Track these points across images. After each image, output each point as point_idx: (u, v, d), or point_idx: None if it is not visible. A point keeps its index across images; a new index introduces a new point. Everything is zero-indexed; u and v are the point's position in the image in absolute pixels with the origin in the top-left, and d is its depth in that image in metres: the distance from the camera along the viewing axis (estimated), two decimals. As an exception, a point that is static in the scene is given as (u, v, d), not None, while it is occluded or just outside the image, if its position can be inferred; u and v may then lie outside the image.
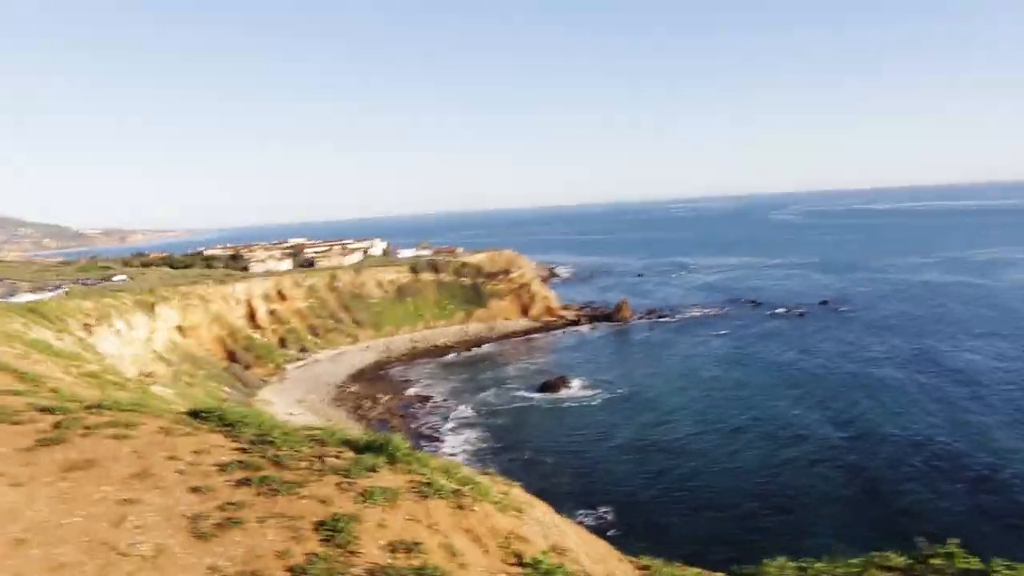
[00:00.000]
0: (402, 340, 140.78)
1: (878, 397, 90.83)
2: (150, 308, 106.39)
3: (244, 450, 10.89)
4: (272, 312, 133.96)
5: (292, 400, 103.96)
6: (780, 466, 71.95)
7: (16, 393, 16.12)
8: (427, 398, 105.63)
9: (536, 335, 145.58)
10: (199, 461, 10.25)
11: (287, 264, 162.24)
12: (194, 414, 13.09)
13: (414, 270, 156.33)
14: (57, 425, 11.92)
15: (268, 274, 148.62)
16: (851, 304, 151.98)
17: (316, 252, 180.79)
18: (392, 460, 10.32)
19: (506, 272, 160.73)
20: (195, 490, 9.13)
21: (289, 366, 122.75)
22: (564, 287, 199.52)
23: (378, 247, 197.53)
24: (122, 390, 25.40)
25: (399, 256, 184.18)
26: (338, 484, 9.24)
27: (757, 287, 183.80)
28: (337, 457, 10.45)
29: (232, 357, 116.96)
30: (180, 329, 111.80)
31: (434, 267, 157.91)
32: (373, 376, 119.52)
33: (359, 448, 11.02)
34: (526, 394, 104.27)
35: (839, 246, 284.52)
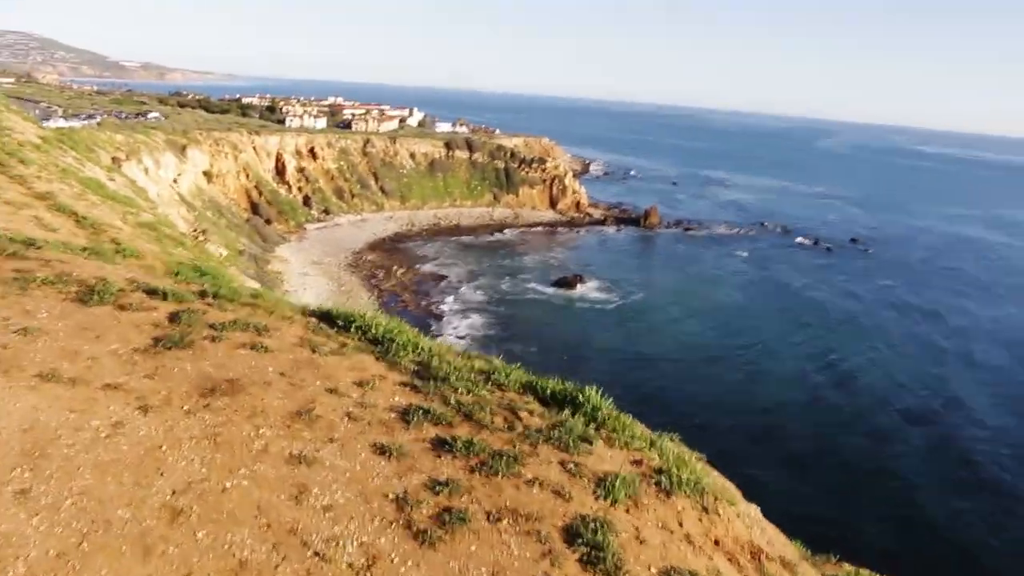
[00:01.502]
0: (426, 215, 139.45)
1: (882, 345, 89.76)
2: (181, 150, 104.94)
3: (415, 388, 8.93)
4: (301, 169, 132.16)
5: (308, 261, 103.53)
6: (769, 396, 72.08)
7: (95, 253, 13.95)
8: (441, 277, 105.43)
9: (561, 229, 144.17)
10: (368, 401, 8.33)
11: (323, 122, 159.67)
12: (327, 317, 11.07)
13: (448, 146, 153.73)
14: (174, 318, 9.92)
15: (302, 130, 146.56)
16: (881, 246, 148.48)
17: (354, 114, 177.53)
18: (594, 422, 8.46)
19: (541, 161, 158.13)
20: (383, 451, 7.24)
21: (310, 226, 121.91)
22: (595, 184, 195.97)
23: (416, 117, 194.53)
24: (180, 247, 23.09)
25: (436, 129, 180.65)
26: (562, 464, 7.30)
27: (790, 214, 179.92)
28: (530, 413, 8.57)
29: (255, 210, 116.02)
30: (207, 175, 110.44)
31: (469, 145, 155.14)
32: (391, 247, 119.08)
33: (545, 398, 9.22)
34: (540, 287, 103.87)
35: (880, 184, 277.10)
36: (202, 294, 11.53)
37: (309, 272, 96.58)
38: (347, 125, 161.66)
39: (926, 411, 71.17)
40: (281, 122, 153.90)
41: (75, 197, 21.85)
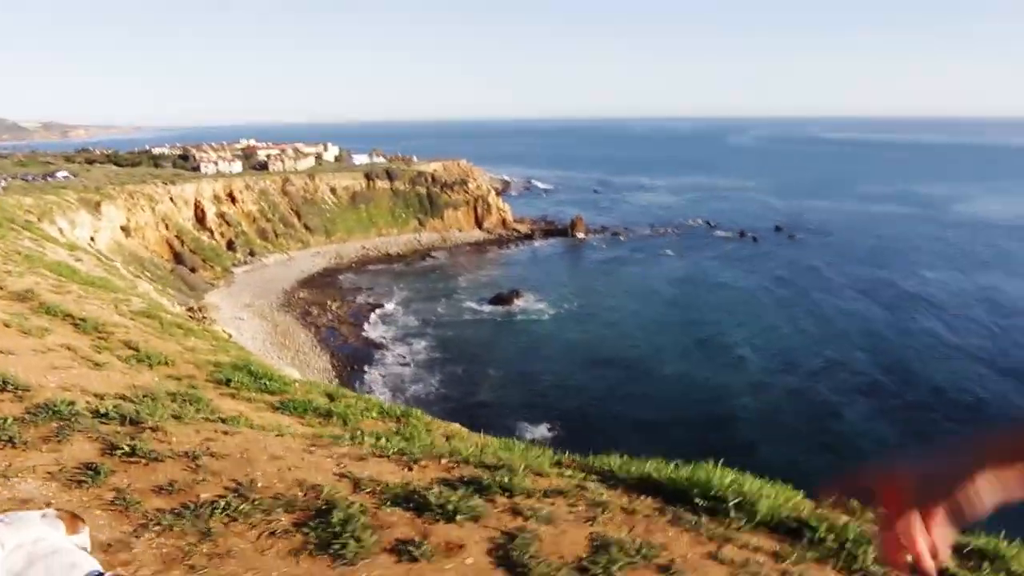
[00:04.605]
0: (353, 247, 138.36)
1: (821, 322, 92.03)
2: (95, 207, 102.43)
3: None
4: (221, 215, 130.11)
5: (240, 304, 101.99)
6: (724, 386, 72.59)
7: (193, 400, 10.49)
8: (377, 306, 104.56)
9: (489, 247, 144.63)
10: None
11: (238, 166, 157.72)
12: (655, 487, 7.51)
13: (368, 177, 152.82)
14: (509, 566, 5.87)
15: (218, 175, 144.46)
16: (804, 231, 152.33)
17: (269, 154, 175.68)
18: None
19: (462, 183, 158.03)
20: None
21: (237, 270, 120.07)
22: (519, 200, 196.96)
23: (331, 152, 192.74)
24: (191, 335, 20.52)
25: (353, 162, 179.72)
26: None
27: (713, 209, 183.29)
28: None
29: (178, 259, 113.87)
30: (125, 229, 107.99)
31: (389, 175, 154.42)
32: (323, 283, 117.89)
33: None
34: (476, 306, 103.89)
35: (795, 172, 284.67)
36: (479, 488, 7.38)
37: (242, 316, 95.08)
38: (263, 166, 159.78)
39: (897, 389, 71.92)
40: (196, 169, 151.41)
41: (56, 291, 19.43)
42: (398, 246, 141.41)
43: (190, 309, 77.74)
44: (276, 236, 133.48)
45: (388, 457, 8.42)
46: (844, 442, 59.74)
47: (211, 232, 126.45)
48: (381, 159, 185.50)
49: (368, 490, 7.11)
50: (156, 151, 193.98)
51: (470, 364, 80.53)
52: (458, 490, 7.13)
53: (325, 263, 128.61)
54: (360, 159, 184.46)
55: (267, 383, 13.44)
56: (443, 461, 8.35)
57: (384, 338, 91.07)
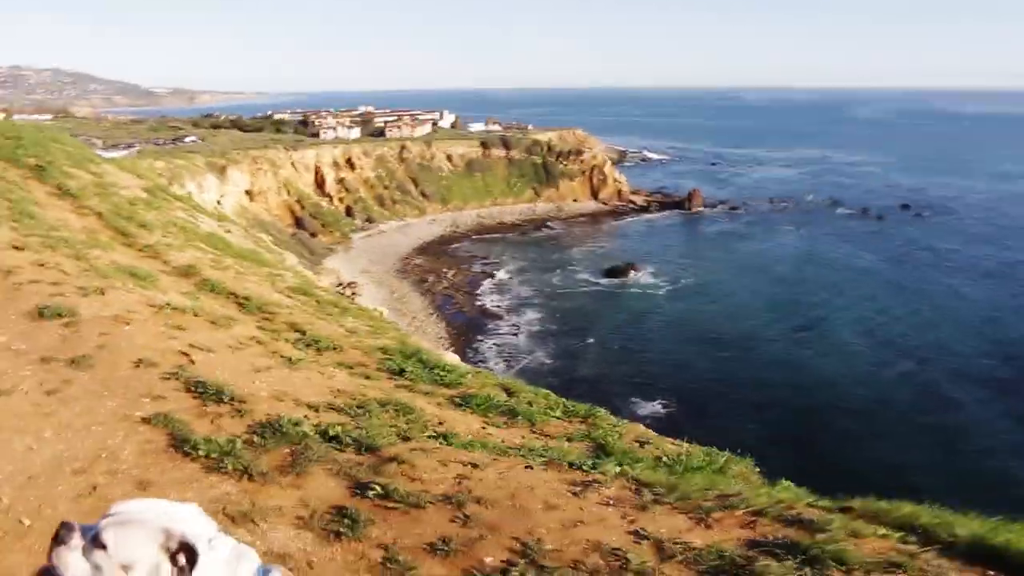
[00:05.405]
0: (469, 215, 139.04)
1: (944, 308, 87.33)
2: (221, 171, 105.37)
3: None
4: (340, 180, 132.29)
5: (357, 270, 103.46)
6: (837, 372, 69.67)
7: (410, 417, 9.79)
8: (491, 275, 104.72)
9: (605, 219, 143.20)
10: None
11: (356, 132, 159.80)
12: (998, 560, 5.68)
13: (484, 145, 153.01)
14: None
15: (337, 141, 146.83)
16: (933, 209, 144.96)
17: (386, 121, 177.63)
18: None
19: (578, 152, 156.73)
20: None
21: (354, 235, 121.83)
22: (634, 170, 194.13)
23: (447, 119, 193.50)
24: (346, 313, 19.59)
25: (468, 130, 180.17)
26: None
27: (835, 183, 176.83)
28: None
29: (299, 224, 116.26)
30: (248, 193, 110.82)
31: (505, 143, 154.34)
32: (438, 250, 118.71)
33: None
34: (591, 278, 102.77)
35: (925, 147, 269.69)
36: (807, 559, 5.80)
37: (360, 281, 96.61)
38: (380, 133, 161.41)
39: (990, 370, 68.61)
40: (316, 135, 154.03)
41: (215, 266, 19.71)
42: (513, 215, 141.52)
43: (339, 285, 78.74)
44: (393, 203, 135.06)
45: (672, 505, 7.15)
46: (962, 437, 56.31)
47: (330, 198, 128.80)
48: (496, 127, 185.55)
49: (678, 558, 5.94)
50: (278, 117, 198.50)
51: (583, 337, 79.88)
52: (783, 561, 5.84)
53: (441, 231, 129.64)
54: (476, 127, 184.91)
55: (441, 374, 12.97)
56: (738, 513, 7.03)
57: (498, 307, 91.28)
